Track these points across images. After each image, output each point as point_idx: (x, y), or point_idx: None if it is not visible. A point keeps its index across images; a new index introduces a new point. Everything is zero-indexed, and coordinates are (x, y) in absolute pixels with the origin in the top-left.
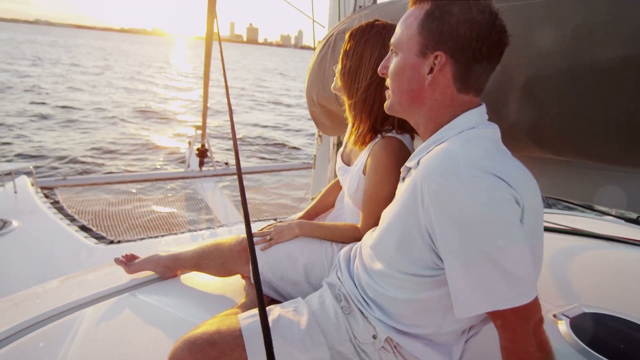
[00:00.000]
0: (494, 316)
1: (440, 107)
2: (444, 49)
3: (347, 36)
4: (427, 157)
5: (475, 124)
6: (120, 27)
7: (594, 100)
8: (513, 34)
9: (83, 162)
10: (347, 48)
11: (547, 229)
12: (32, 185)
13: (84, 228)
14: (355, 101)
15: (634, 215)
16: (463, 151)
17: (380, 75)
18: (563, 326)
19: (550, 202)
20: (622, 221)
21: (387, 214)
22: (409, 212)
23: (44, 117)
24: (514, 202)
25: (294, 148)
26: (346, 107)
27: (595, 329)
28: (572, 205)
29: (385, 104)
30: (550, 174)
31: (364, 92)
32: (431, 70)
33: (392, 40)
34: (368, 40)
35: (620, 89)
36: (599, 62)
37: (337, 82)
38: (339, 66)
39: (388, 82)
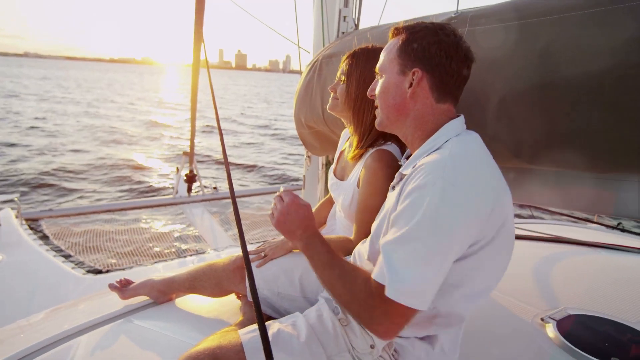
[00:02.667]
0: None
1: (423, 116)
2: (420, 66)
3: (346, 57)
4: (419, 167)
5: (459, 131)
6: (110, 58)
7: (563, 113)
8: (489, 54)
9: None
10: (351, 70)
11: (531, 238)
12: (17, 217)
13: (71, 259)
14: (364, 120)
15: (614, 223)
16: (451, 157)
17: (369, 97)
18: (550, 328)
19: (534, 213)
20: (604, 228)
21: (379, 222)
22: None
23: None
24: (475, 202)
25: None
26: (352, 124)
27: (581, 329)
28: (556, 215)
29: (375, 122)
30: (529, 183)
31: (372, 111)
32: (410, 84)
33: (378, 66)
34: (375, 63)
35: (585, 102)
36: (565, 79)
37: (337, 103)
38: (341, 87)
39: (377, 102)
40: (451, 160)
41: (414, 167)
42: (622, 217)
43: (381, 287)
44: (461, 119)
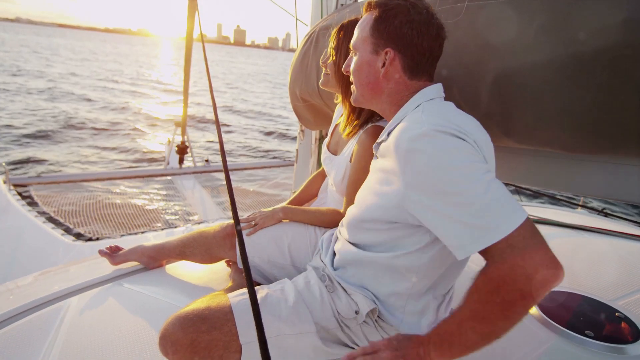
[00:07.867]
0: (486, 253)
1: (397, 93)
2: (392, 46)
3: (335, 31)
4: (394, 130)
5: (433, 96)
6: (105, 27)
7: (554, 93)
8: (486, 31)
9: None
10: (339, 44)
11: None
12: (5, 182)
13: (61, 225)
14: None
15: (599, 208)
16: (426, 117)
17: (345, 73)
18: None
19: (521, 194)
20: (586, 211)
21: (363, 188)
22: (383, 182)
23: None
24: (470, 149)
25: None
26: (341, 100)
27: (560, 305)
28: (543, 198)
29: (351, 98)
30: (518, 163)
31: None
32: (383, 64)
33: (352, 42)
34: None
35: (576, 83)
36: (559, 58)
37: (329, 78)
38: (331, 62)
39: (352, 78)
40: (425, 115)
41: (388, 134)
42: (610, 199)
43: (495, 250)
44: (435, 86)
